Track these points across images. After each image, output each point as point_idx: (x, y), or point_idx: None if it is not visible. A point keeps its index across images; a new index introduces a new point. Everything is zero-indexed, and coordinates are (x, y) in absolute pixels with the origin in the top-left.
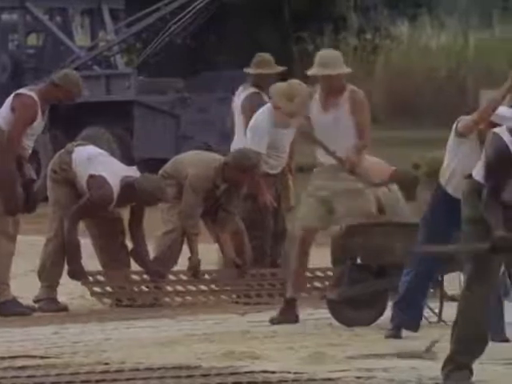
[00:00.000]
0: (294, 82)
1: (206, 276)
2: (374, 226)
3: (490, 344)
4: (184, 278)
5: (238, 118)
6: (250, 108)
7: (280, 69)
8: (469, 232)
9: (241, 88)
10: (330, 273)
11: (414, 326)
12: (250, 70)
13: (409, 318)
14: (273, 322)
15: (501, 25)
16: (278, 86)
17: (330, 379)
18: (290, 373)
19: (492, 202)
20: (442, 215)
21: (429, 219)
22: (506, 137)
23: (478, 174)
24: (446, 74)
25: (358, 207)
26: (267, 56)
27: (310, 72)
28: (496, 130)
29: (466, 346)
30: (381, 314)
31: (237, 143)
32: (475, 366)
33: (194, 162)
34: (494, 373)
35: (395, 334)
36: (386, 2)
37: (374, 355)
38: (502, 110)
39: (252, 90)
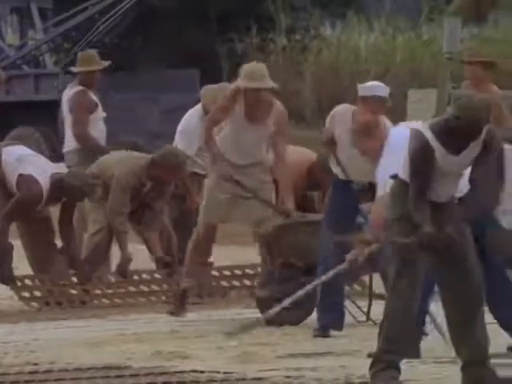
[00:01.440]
0: (225, 84)
1: (135, 277)
2: (304, 225)
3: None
4: (112, 279)
5: (67, 118)
6: (76, 106)
7: (105, 64)
8: (397, 231)
9: (68, 87)
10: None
11: (338, 325)
12: (73, 69)
13: (331, 318)
14: (171, 313)
15: (427, 25)
16: (209, 89)
17: (259, 378)
18: (219, 372)
19: (419, 200)
20: (340, 202)
21: (330, 208)
22: (426, 133)
23: (404, 173)
24: (375, 74)
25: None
26: (91, 53)
27: (238, 84)
28: (417, 126)
29: (393, 345)
30: (310, 312)
31: (68, 144)
32: (403, 364)
33: (120, 160)
34: (422, 372)
35: (323, 333)
36: (315, 3)
37: (303, 354)
38: (371, 83)
39: (77, 88)
